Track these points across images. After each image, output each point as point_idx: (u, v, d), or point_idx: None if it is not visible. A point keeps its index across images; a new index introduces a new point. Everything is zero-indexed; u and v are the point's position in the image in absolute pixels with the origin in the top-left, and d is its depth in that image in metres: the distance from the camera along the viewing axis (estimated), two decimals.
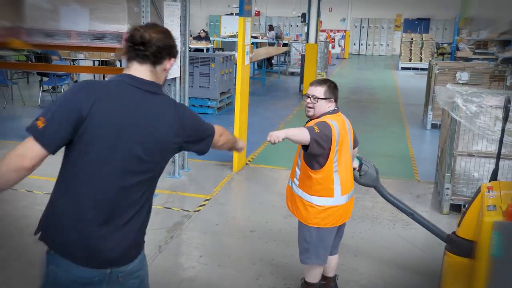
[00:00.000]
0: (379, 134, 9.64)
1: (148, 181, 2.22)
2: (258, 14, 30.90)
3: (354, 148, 3.66)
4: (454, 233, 3.34)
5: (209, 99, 10.79)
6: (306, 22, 14.78)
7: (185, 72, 6.79)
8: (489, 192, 3.20)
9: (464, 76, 8.97)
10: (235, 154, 6.85)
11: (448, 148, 5.57)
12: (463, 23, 22.14)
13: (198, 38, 19.55)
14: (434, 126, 9.72)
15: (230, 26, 24.27)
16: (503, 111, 3.84)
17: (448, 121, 5.74)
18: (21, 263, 4.27)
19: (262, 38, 22.78)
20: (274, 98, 13.78)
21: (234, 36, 21.04)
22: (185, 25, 6.79)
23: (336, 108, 3.47)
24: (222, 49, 19.57)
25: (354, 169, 3.77)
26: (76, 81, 13.20)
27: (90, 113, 2.03)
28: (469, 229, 3.17)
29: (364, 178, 3.81)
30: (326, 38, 21.78)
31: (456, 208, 5.58)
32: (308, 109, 3.46)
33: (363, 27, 31.40)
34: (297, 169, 3.49)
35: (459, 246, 3.21)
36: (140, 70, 2.20)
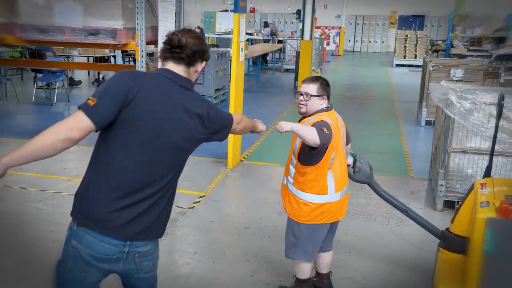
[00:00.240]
0: (373, 131, 9.66)
1: (176, 167, 2.45)
2: (253, 10, 30.88)
3: (346, 144, 3.66)
4: (447, 229, 3.35)
5: (203, 95, 10.76)
6: (301, 19, 14.77)
7: None
8: (482, 188, 3.22)
9: (458, 73, 8.99)
10: (230, 151, 6.85)
11: (442, 145, 5.59)
12: (458, 20, 22.18)
13: None
14: (428, 123, 9.75)
15: (225, 22, 24.27)
16: (497, 108, 3.86)
17: (442, 118, 5.75)
18: (16, 261, 4.26)
19: (257, 35, 22.76)
20: (269, 95, 13.77)
21: (229, 33, 21.01)
22: (180, 21, 6.77)
23: (329, 105, 3.47)
24: (217, 46, 19.50)
25: (348, 165, 3.77)
26: (71, 78, 13.17)
27: (134, 98, 2.25)
28: (462, 226, 3.19)
29: (358, 174, 3.81)
30: (321, 35, 21.83)
31: (449, 205, 5.60)
32: (301, 106, 3.46)
33: (358, 24, 31.42)
34: (291, 166, 3.48)
35: (452, 242, 3.22)
36: (176, 69, 2.42)
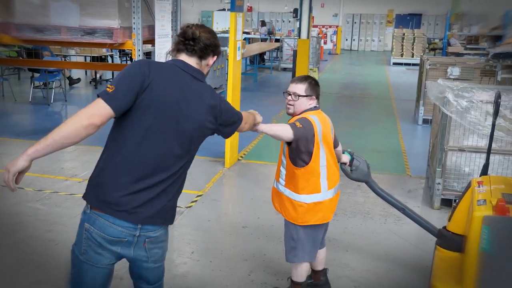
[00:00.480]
0: (371, 129, 9.66)
1: (186, 155, 2.51)
2: (250, 9, 30.87)
3: (334, 148, 3.62)
4: (444, 227, 3.36)
5: None
6: (298, 17, 14.77)
7: None
8: (479, 186, 3.22)
9: (455, 71, 9.01)
10: (227, 150, 6.85)
11: (439, 143, 5.59)
12: (455, 18, 22.19)
13: None
14: (425, 121, 9.76)
15: (222, 21, 24.23)
16: (494, 106, 3.87)
17: (439, 116, 5.76)
18: (13, 261, 4.25)
19: (254, 34, 22.74)
20: (266, 93, 13.78)
21: (226, 32, 20.94)
22: (177, 20, 6.77)
23: (317, 106, 3.45)
24: None
25: (345, 163, 3.77)
26: (69, 77, 13.15)
27: (150, 85, 2.34)
28: (459, 224, 3.19)
29: (355, 173, 3.81)
30: (318, 34, 21.82)
31: (447, 203, 5.61)
32: (289, 106, 3.45)
33: (355, 22, 31.44)
34: (282, 168, 3.45)
35: (449, 240, 3.22)
36: (188, 61, 2.52)
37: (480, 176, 3.71)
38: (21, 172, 2.20)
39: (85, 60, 14.01)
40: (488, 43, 17.43)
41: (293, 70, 14.50)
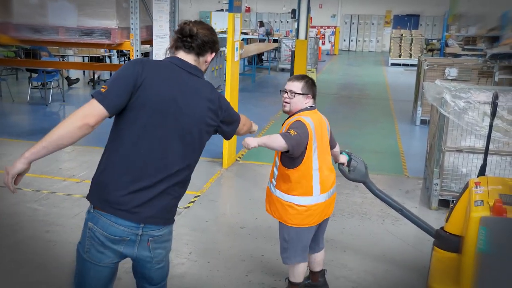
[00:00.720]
0: (368, 130, 9.67)
1: (189, 154, 2.48)
2: (248, 10, 30.88)
3: (332, 148, 3.62)
4: (442, 228, 3.36)
5: None
6: (296, 18, 14.79)
7: None
8: (476, 187, 3.23)
9: (453, 72, 9.02)
10: (225, 151, 6.85)
11: (437, 144, 5.60)
12: (452, 19, 22.25)
13: None
14: (423, 122, 9.76)
15: (221, 22, 24.15)
16: (491, 106, 3.87)
17: (436, 117, 5.77)
18: (11, 261, 4.25)
19: (252, 34, 22.74)
20: (264, 94, 13.78)
21: (224, 32, 20.94)
22: (175, 21, 6.77)
23: (313, 105, 3.45)
24: None
25: (342, 164, 3.77)
26: (67, 77, 13.14)
27: (142, 83, 2.35)
28: (457, 225, 3.20)
29: (353, 173, 3.81)
30: (316, 34, 21.78)
31: (444, 204, 5.61)
32: (285, 104, 3.45)
33: (353, 23, 31.48)
34: (274, 169, 3.45)
35: (447, 241, 3.23)
36: (186, 57, 2.52)
37: (478, 177, 3.72)
38: (20, 174, 2.25)
39: (83, 60, 13.99)
40: (486, 44, 17.48)
41: (291, 70, 14.51)
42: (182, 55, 2.52)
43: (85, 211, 2.51)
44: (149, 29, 6.68)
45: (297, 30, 14.35)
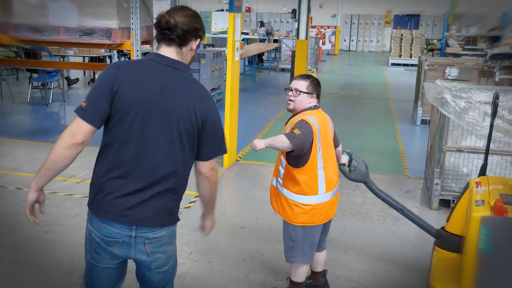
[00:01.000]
0: (369, 130, 9.67)
1: (180, 153, 2.40)
2: (248, 10, 30.88)
3: (335, 148, 3.62)
4: (443, 228, 3.36)
5: None
6: (297, 18, 14.79)
7: None
8: (477, 187, 3.23)
9: (453, 72, 9.02)
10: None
11: (438, 144, 5.60)
12: (453, 19, 22.23)
13: None
14: (423, 121, 9.76)
15: (221, 22, 24.16)
16: (492, 106, 3.87)
17: (437, 117, 5.76)
18: (11, 261, 4.25)
19: (252, 34, 22.72)
20: (265, 94, 13.77)
21: (224, 32, 20.94)
22: None
23: (317, 105, 3.46)
24: (213, 45, 19.48)
25: (343, 164, 3.77)
26: (67, 77, 13.14)
27: (119, 89, 2.29)
28: (457, 224, 3.20)
29: (354, 173, 3.81)
30: (317, 35, 21.79)
31: (445, 204, 5.61)
32: (289, 102, 3.46)
33: (353, 23, 31.47)
34: (280, 167, 3.45)
35: (447, 241, 3.23)
36: (167, 51, 2.39)
37: (478, 176, 3.71)
38: (38, 202, 2.46)
39: (84, 60, 14.00)
40: (486, 44, 17.46)
41: (291, 70, 14.52)
42: (163, 48, 2.39)
43: (85, 211, 2.52)
44: (149, 29, 6.68)
45: (298, 30, 14.36)
